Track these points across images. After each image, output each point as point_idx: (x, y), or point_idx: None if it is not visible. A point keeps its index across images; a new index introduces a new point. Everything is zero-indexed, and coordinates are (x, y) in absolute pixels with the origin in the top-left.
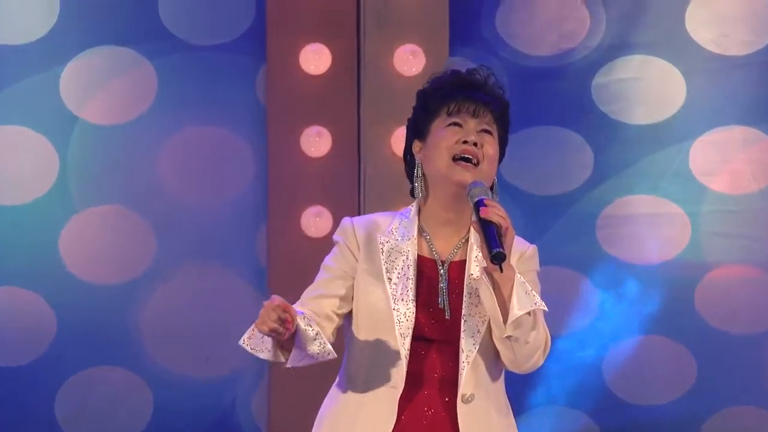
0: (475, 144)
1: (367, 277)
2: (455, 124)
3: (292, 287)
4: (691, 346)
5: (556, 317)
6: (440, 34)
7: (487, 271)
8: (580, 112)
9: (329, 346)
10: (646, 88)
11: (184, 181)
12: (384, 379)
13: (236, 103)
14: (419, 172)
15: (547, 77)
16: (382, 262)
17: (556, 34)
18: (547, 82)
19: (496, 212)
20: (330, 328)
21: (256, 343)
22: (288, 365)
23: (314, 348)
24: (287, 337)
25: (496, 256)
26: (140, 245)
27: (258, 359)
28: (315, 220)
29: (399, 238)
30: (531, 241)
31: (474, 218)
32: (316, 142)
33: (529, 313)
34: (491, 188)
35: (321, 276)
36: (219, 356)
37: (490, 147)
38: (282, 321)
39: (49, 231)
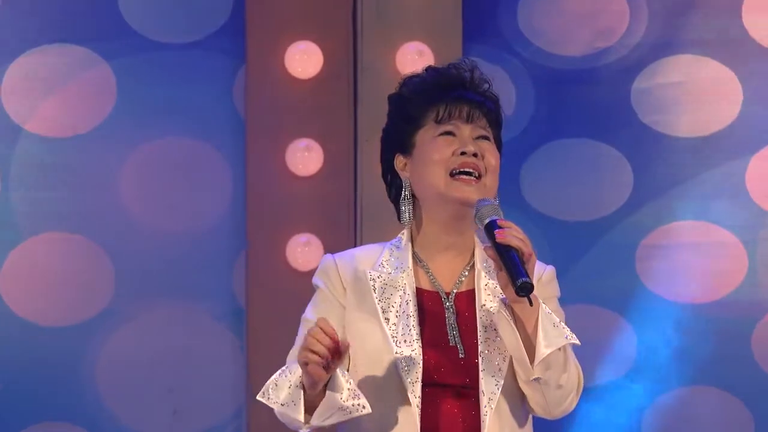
0: (475, 155)
1: (360, 321)
2: (448, 133)
3: (275, 329)
4: (747, 400)
5: (587, 364)
6: (452, 29)
7: (506, 303)
8: (616, 123)
9: (364, 399)
10: (695, 94)
11: (149, 203)
12: None
13: (210, 112)
14: (407, 193)
15: (579, 81)
16: (376, 301)
17: (589, 30)
18: (578, 88)
19: (514, 234)
20: None
21: (286, 395)
22: (313, 424)
23: (348, 400)
24: (320, 385)
25: (523, 287)
26: (96, 280)
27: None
28: (303, 250)
29: (392, 271)
30: (559, 276)
31: (487, 243)
32: (305, 158)
33: (559, 349)
34: (497, 196)
35: (301, 333)
36: (188, 412)
37: (491, 156)
38: (336, 351)
39: None
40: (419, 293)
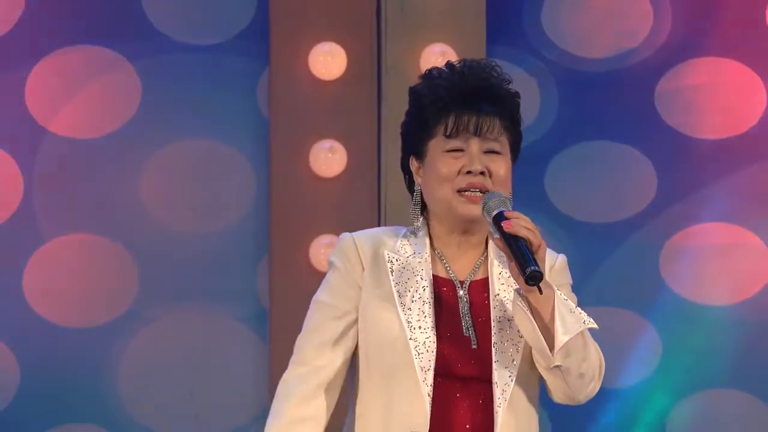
0: (483, 173)
1: (376, 302)
2: (456, 150)
3: (299, 332)
4: None
5: (611, 367)
6: (475, 31)
7: (521, 294)
8: (641, 125)
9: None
10: (720, 96)
11: (172, 205)
12: (405, 424)
13: (234, 113)
14: (418, 197)
15: (602, 83)
16: (393, 284)
17: (613, 31)
18: (602, 90)
19: (522, 224)
20: (336, 386)
21: None
22: None
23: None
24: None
25: (532, 276)
26: (119, 281)
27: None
28: (326, 252)
29: (410, 255)
30: (582, 278)
31: (496, 235)
32: (329, 159)
33: (578, 335)
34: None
35: (315, 315)
36: (210, 415)
37: (499, 168)
38: None
39: (11, 264)
40: (435, 280)
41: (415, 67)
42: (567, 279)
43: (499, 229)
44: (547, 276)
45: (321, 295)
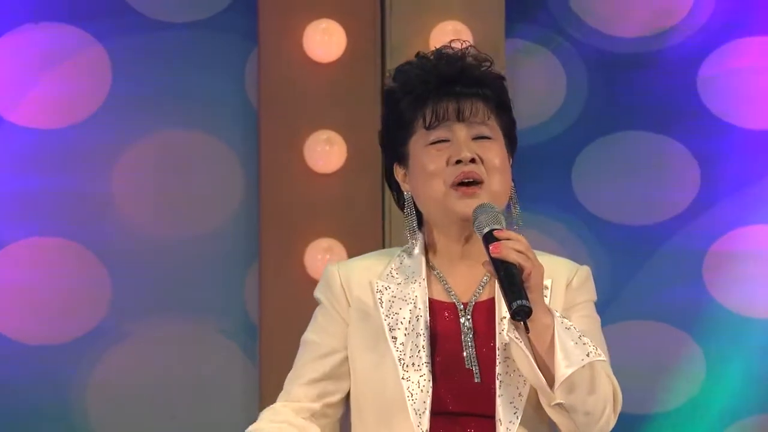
0: (473, 160)
1: (364, 339)
2: (440, 140)
3: (292, 348)
4: None
5: (649, 388)
6: (493, 7)
7: (513, 322)
8: (681, 114)
9: None
10: None
11: (149, 205)
12: None
13: (218, 100)
14: (410, 207)
15: (638, 66)
16: (383, 316)
17: (649, 9)
18: (637, 74)
19: (512, 247)
20: (329, 427)
21: None
22: None
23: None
24: None
25: (518, 312)
26: (89, 291)
27: None
28: (324, 258)
29: (402, 281)
30: (614, 288)
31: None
32: (326, 152)
33: (584, 367)
34: (509, 203)
35: (303, 354)
36: None
37: (494, 155)
38: None
39: None
40: (433, 305)
41: (424, 48)
42: (588, 295)
43: (488, 251)
44: (562, 294)
45: (307, 334)
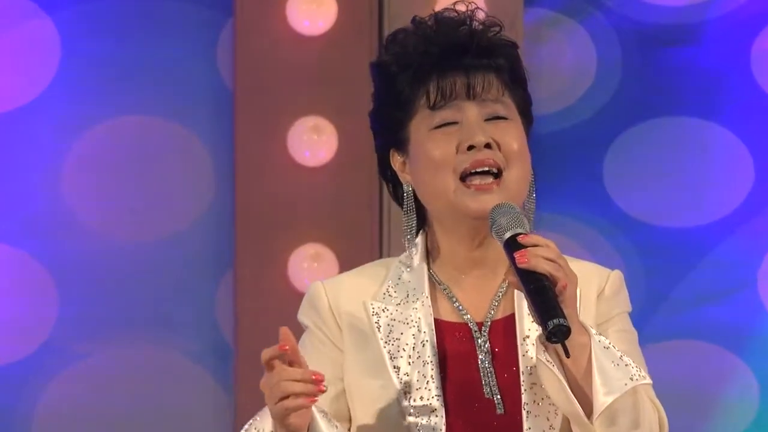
0: (488, 145)
1: (362, 371)
2: (447, 123)
3: None
4: None
5: (692, 420)
6: None
7: (544, 343)
8: (731, 97)
9: None
10: None
11: (103, 205)
12: None
13: (186, 81)
14: (411, 203)
15: (680, 41)
16: (381, 343)
17: None
18: (680, 49)
19: (542, 255)
20: None
21: None
22: None
23: None
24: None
25: (556, 332)
26: (34, 306)
27: None
28: (311, 267)
29: (401, 301)
30: (653, 302)
31: (510, 268)
32: (313, 142)
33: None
34: (526, 200)
35: None
36: None
37: (512, 139)
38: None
39: None
40: (440, 327)
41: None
42: (623, 306)
43: (512, 261)
44: (593, 306)
45: None
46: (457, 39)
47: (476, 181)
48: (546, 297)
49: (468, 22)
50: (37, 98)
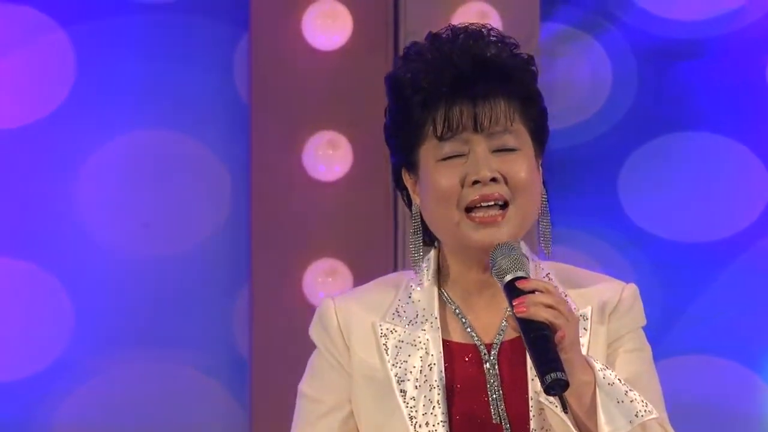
0: (494, 179)
1: (368, 395)
2: (454, 156)
3: (288, 388)
4: None
5: None
6: None
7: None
8: (747, 112)
9: None
10: None
11: (119, 220)
12: None
13: (202, 96)
14: (418, 222)
15: (696, 55)
16: (389, 365)
17: None
18: (694, 64)
19: (541, 302)
20: None
21: None
22: None
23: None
24: None
25: (554, 386)
26: (48, 321)
27: None
28: (325, 282)
29: (410, 322)
30: (668, 317)
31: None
32: (328, 156)
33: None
34: (541, 218)
35: (301, 413)
36: None
37: (519, 168)
38: None
39: None
40: (449, 348)
41: None
42: (637, 322)
43: (512, 307)
44: (605, 325)
45: (304, 385)
46: (466, 66)
47: (480, 213)
48: (544, 348)
49: (480, 44)
50: (53, 113)
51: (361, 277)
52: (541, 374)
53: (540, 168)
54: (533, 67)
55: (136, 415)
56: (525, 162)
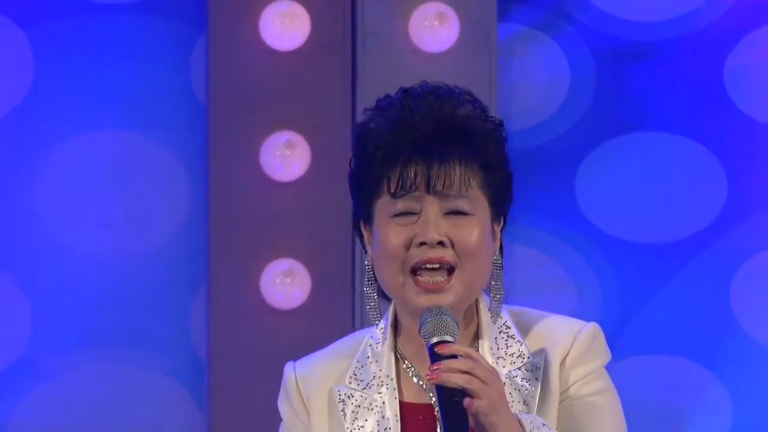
0: (441, 242)
1: None
2: (405, 213)
3: (247, 389)
4: None
5: None
6: None
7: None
8: (705, 112)
9: None
10: None
11: (77, 220)
12: None
13: (159, 96)
14: (371, 277)
15: (653, 56)
16: (347, 431)
17: None
18: (653, 65)
19: (456, 368)
20: None
21: None
22: None
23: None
24: None
25: None
26: (5, 321)
27: None
28: (283, 282)
29: (368, 384)
30: (626, 317)
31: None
32: (286, 157)
33: None
34: (492, 283)
35: None
36: None
37: (469, 234)
38: None
39: None
40: (405, 411)
41: (401, 35)
42: (595, 362)
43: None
44: (555, 374)
45: None
46: (429, 127)
47: (426, 277)
48: (453, 417)
49: (448, 106)
50: (11, 113)
51: (319, 278)
52: None
53: (497, 233)
54: (501, 133)
55: (94, 416)
56: (477, 227)
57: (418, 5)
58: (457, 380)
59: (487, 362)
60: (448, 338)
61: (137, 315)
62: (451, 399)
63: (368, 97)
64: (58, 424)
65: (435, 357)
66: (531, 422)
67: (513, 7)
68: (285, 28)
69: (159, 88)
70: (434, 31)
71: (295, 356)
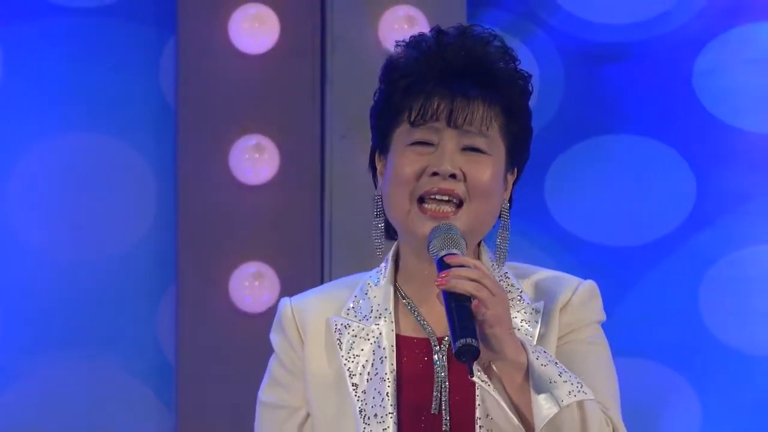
0: (454, 175)
1: (323, 390)
2: (422, 142)
3: (215, 392)
4: None
5: None
6: None
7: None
8: (674, 115)
9: None
10: None
11: (45, 223)
12: None
13: (128, 99)
14: (380, 209)
15: (622, 58)
16: (342, 360)
17: None
18: (621, 68)
19: (464, 275)
20: None
21: None
22: None
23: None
24: None
25: (462, 352)
26: None
27: None
28: (252, 285)
29: (364, 317)
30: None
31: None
32: (255, 160)
33: (569, 405)
34: (499, 231)
35: (263, 422)
36: None
37: (481, 171)
38: None
39: None
40: (402, 343)
41: (371, 38)
42: (594, 315)
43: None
44: (556, 315)
45: (264, 394)
46: (459, 62)
47: (433, 206)
48: (460, 316)
49: (480, 46)
50: None
51: (287, 281)
52: (454, 341)
53: (509, 183)
54: (527, 85)
55: (61, 419)
56: (491, 167)
57: (387, 8)
58: (466, 287)
59: (494, 278)
60: (457, 251)
61: (105, 317)
62: (460, 303)
63: (336, 101)
64: (24, 426)
65: (443, 266)
66: (533, 346)
67: (482, 9)
68: (254, 31)
69: (128, 90)
70: (404, 33)
71: (263, 360)
